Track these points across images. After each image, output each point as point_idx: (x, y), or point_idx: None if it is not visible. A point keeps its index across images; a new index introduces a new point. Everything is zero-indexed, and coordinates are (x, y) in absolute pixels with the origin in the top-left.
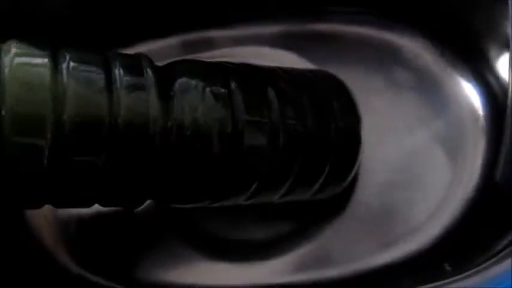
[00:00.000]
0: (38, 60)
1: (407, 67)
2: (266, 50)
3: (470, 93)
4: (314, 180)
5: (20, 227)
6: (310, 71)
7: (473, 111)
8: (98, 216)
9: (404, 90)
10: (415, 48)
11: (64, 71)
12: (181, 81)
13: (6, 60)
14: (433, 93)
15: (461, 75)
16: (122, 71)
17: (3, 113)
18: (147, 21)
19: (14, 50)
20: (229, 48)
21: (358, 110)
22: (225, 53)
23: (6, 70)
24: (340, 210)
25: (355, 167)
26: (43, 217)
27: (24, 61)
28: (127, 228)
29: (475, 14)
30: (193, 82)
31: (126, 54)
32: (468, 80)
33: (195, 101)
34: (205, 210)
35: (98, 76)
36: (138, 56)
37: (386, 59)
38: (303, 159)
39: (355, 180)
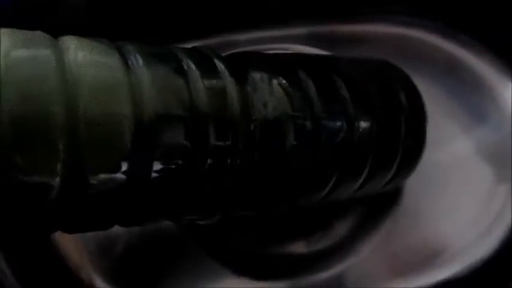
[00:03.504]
0: (106, 56)
1: (457, 74)
2: (298, 48)
3: None
4: (387, 170)
5: (44, 243)
6: (370, 60)
7: None
8: (123, 231)
9: (454, 98)
10: (467, 54)
11: (136, 67)
12: (254, 75)
13: (71, 57)
14: (486, 104)
15: None
16: (192, 63)
17: (78, 117)
18: (170, 26)
19: (74, 46)
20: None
21: (423, 100)
22: None
23: (74, 69)
24: (379, 226)
25: (421, 157)
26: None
27: (93, 59)
28: (153, 243)
29: None
30: (264, 75)
31: (183, 48)
32: None
33: (268, 96)
34: (234, 224)
35: (172, 71)
36: (200, 48)
37: (437, 64)
38: (377, 149)
39: (396, 194)
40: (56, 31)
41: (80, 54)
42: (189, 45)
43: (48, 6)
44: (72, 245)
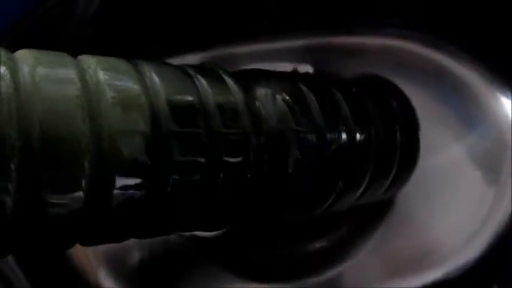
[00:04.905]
0: (125, 75)
1: (447, 84)
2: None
3: None
4: (386, 178)
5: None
6: (362, 75)
7: None
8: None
9: (443, 106)
10: (456, 64)
11: (152, 85)
12: (260, 91)
13: (92, 76)
14: (474, 111)
15: (504, 94)
16: (203, 80)
17: (102, 134)
18: (167, 39)
19: (94, 65)
20: (252, 65)
21: (414, 109)
22: None
23: (95, 87)
24: (374, 229)
25: (417, 163)
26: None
27: (113, 78)
28: (159, 248)
29: None
30: (268, 91)
31: (194, 65)
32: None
33: (273, 111)
34: (240, 232)
35: (186, 89)
36: (209, 65)
37: (428, 74)
38: (376, 159)
39: (390, 200)
40: (64, 43)
41: (101, 73)
42: (189, 57)
43: (57, 19)
44: (81, 250)
